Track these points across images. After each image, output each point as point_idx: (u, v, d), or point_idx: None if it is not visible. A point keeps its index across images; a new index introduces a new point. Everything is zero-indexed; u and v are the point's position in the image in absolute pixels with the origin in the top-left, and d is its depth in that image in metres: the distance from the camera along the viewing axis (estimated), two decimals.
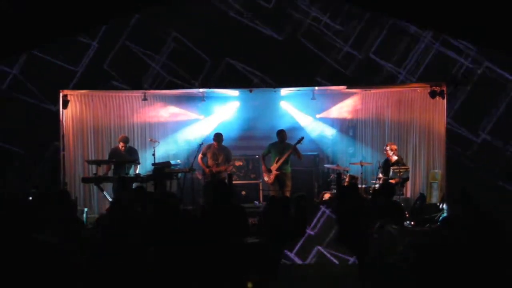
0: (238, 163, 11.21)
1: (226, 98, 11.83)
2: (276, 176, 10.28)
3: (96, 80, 9.15)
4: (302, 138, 10.47)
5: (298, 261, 5.77)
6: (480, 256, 4.62)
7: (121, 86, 9.21)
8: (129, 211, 5.94)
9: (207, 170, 10.43)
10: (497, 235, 4.94)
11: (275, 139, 10.56)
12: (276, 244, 6.24)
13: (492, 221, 5.08)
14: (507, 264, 4.70)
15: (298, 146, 10.36)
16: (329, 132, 12.05)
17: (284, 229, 6.38)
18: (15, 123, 8.92)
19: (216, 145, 10.52)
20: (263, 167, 10.55)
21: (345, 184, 10.21)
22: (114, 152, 10.23)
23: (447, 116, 9.10)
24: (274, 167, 10.29)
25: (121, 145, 10.16)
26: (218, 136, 10.59)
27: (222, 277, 5.39)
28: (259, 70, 9.16)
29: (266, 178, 10.49)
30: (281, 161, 10.24)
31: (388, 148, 10.24)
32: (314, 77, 9.26)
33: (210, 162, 10.49)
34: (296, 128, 11.72)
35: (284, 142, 10.40)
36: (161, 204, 5.88)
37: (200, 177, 10.61)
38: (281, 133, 10.46)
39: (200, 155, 10.55)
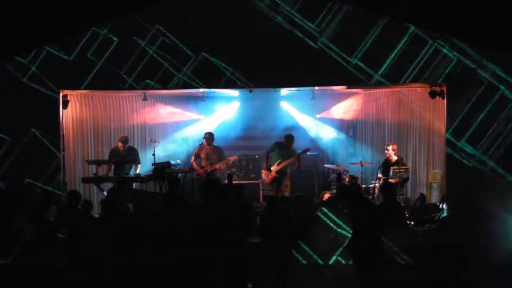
0: (232, 158, 11.15)
1: (226, 98, 11.83)
2: (275, 177, 10.29)
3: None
4: (308, 149, 10.51)
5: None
6: (479, 255, 4.64)
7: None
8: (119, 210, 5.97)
9: (201, 171, 10.43)
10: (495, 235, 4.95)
11: (275, 139, 10.56)
12: (278, 244, 6.23)
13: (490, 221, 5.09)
14: (506, 263, 4.72)
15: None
16: (329, 134, 12.05)
17: (284, 229, 6.38)
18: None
19: (208, 145, 10.52)
20: (264, 165, 10.54)
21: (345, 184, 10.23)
22: (114, 152, 10.22)
23: (447, 121, 9.12)
24: (274, 168, 10.28)
25: (120, 145, 10.16)
26: (210, 135, 10.59)
27: (222, 277, 5.39)
28: (259, 70, 9.17)
29: (264, 177, 10.49)
30: (282, 165, 10.25)
31: (390, 148, 10.22)
32: (313, 77, 9.28)
33: (204, 162, 10.50)
34: (296, 128, 11.72)
35: (290, 147, 10.41)
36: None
37: (200, 177, 10.60)
38: (289, 138, 10.46)
39: (193, 157, 10.55)
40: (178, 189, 8.02)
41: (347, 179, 10.30)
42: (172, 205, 6.38)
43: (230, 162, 10.97)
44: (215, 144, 10.65)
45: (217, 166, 10.44)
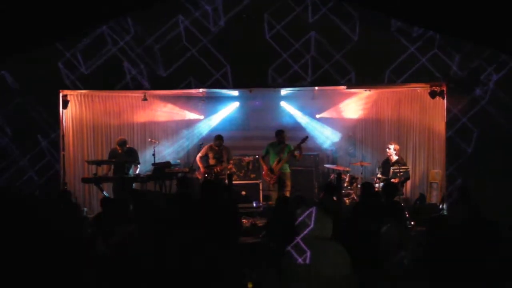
0: (247, 159, 11.39)
1: (226, 98, 11.83)
2: (278, 176, 10.28)
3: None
4: (307, 137, 10.45)
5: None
6: (477, 255, 4.64)
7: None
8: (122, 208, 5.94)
9: (202, 169, 10.44)
10: (492, 235, 4.96)
11: (275, 139, 10.56)
12: (280, 244, 6.20)
13: (488, 221, 5.10)
14: (503, 263, 4.72)
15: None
16: (329, 134, 12.05)
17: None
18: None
19: (217, 146, 10.53)
20: (264, 168, 10.51)
21: (346, 184, 10.22)
22: (113, 153, 10.20)
23: (447, 116, 9.14)
24: (275, 167, 10.28)
25: (118, 148, 10.13)
26: (220, 139, 10.57)
27: (221, 277, 5.38)
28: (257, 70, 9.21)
29: (267, 178, 10.45)
30: (283, 162, 10.24)
31: (391, 147, 10.19)
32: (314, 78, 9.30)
33: (212, 162, 10.49)
34: (297, 128, 11.72)
35: (284, 143, 10.39)
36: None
37: (200, 177, 10.61)
38: (280, 134, 10.44)
39: (199, 155, 10.55)
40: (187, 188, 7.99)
41: (347, 179, 10.30)
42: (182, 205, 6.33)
43: (244, 162, 11.24)
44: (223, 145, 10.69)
45: (229, 166, 10.49)
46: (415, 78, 9.17)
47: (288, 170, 10.41)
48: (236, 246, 5.90)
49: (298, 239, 3.83)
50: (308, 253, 3.80)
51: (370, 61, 9.11)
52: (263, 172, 10.57)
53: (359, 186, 9.57)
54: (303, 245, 3.81)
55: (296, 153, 10.25)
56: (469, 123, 9.03)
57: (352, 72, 9.14)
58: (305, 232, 3.82)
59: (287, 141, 10.46)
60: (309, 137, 10.58)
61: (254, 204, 10.64)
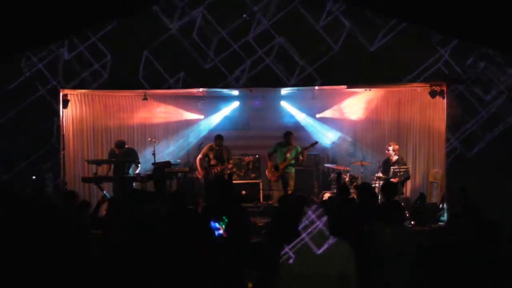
0: (247, 159, 11.43)
1: (225, 98, 11.82)
2: (280, 175, 10.32)
3: None
4: (316, 143, 10.62)
5: None
6: (477, 256, 4.65)
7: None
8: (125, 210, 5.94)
9: (201, 172, 10.44)
10: (492, 235, 4.96)
11: (274, 138, 10.57)
12: (280, 243, 6.19)
13: (487, 222, 5.10)
14: (502, 265, 4.73)
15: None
16: (329, 133, 12.06)
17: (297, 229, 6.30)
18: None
19: (217, 146, 10.53)
20: (269, 164, 10.56)
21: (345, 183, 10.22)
22: (112, 154, 10.19)
23: (447, 115, 9.13)
24: (281, 165, 10.33)
25: (115, 149, 10.11)
26: (220, 139, 10.58)
27: (225, 276, 5.39)
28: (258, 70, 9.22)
29: (270, 175, 10.51)
30: (287, 161, 10.33)
31: (390, 148, 10.21)
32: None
33: (213, 162, 10.48)
34: (296, 127, 11.72)
35: (291, 144, 10.46)
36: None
37: (200, 177, 10.61)
38: (288, 136, 10.52)
39: (200, 156, 10.54)
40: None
41: (347, 179, 10.30)
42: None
43: (244, 162, 11.27)
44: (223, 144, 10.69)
45: (229, 166, 10.51)
46: (415, 78, 9.16)
47: (293, 171, 10.51)
48: (246, 247, 5.88)
49: (299, 239, 3.82)
50: (308, 253, 3.79)
51: (370, 61, 9.11)
52: (267, 168, 10.61)
53: None
54: (303, 245, 3.80)
55: (300, 156, 10.32)
56: (469, 123, 9.03)
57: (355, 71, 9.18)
58: (307, 232, 3.81)
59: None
60: (318, 143, 10.73)
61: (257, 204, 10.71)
